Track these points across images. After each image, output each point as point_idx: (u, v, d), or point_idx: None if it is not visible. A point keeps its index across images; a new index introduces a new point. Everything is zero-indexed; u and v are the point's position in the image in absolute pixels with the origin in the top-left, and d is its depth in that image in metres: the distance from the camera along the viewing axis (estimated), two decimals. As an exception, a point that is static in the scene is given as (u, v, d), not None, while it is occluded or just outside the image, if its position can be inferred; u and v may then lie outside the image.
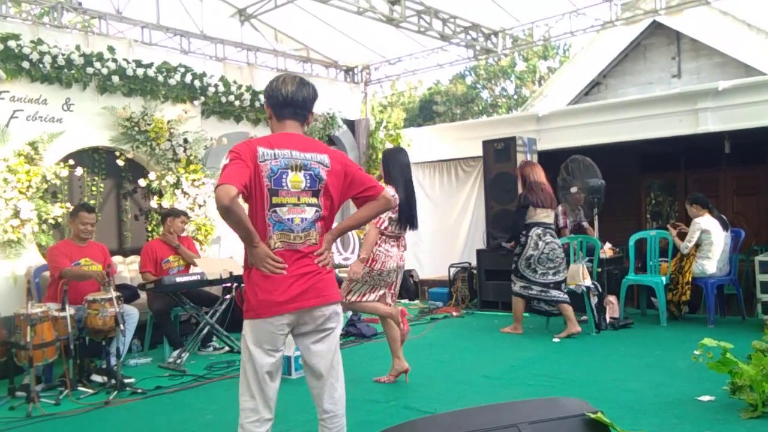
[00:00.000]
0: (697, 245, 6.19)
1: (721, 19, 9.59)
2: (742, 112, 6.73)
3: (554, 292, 5.92)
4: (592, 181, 6.80)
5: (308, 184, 2.39)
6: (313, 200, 2.40)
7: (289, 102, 2.44)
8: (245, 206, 2.39)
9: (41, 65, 5.97)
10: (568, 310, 5.88)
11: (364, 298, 4.42)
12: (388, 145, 9.13)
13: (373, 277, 4.36)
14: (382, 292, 4.47)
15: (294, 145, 2.40)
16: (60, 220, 6.12)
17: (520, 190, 6.34)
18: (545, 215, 6.04)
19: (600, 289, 6.14)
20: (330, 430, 2.46)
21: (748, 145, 7.76)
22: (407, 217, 4.41)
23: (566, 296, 5.93)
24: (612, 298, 6.38)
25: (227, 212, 2.20)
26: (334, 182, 2.43)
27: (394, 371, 4.53)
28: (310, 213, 2.40)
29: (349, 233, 8.30)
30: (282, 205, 2.36)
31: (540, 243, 5.93)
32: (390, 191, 4.23)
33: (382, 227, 4.32)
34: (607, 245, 6.90)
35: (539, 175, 6.11)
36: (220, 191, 2.17)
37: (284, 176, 2.36)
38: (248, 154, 2.32)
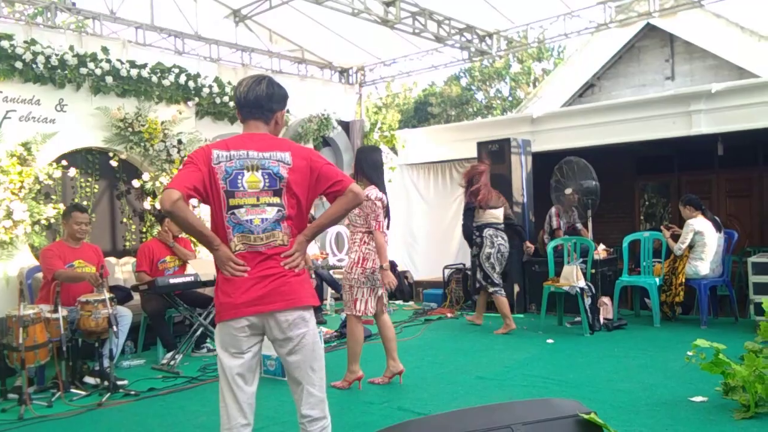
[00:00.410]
0: (691, 247, 6.21)
1: (714, 21, 9.64)
2: (735, 114, 6.76)
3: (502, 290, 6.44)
4: (587, 183, 6.83)
5: (267, 184, 2.35)
6: (275, 200, 2.35)
7: (243, 103, 2.46)
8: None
9: (34, 65, 5.94)
10: (507, 306, 6.34)
11: (369, 305, 4.40)
12: (383, 147, 9.13)
13: (368, 277, 4.36)
14: (380, 292, 4.47)
15: (252, 146, 2.38)
16: (53, 221, 6.09)
17: (468, 192, 6.60)
18: (495, 215, 6.43)
19: (594, 290, 6.15)
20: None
21: (741, 147, 7.81)
22: (388, 217, 4.44)
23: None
24: (606, 299, 6.40)
25: (171, 216, 2.26)
26: (298, 179, 2.37)
27: (389, 372, 4.53)
28: (271, 213, 2.35)
29: (344, 234, 8.30)
30: (239, 206, 2.33)
31: (495, 241, 6.36)
32: (373, 192, 4.25)
33: (386, 230, 4.33)
34: (601, 246, 6.92)
35: (487, 177, 6.53)
36: (163, 196, 2.24)
37: (240, 177, 2.33)
38: (201, 158, 2.34)
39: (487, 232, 6.34)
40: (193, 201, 2.59)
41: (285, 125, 2.46)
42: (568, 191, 7.00)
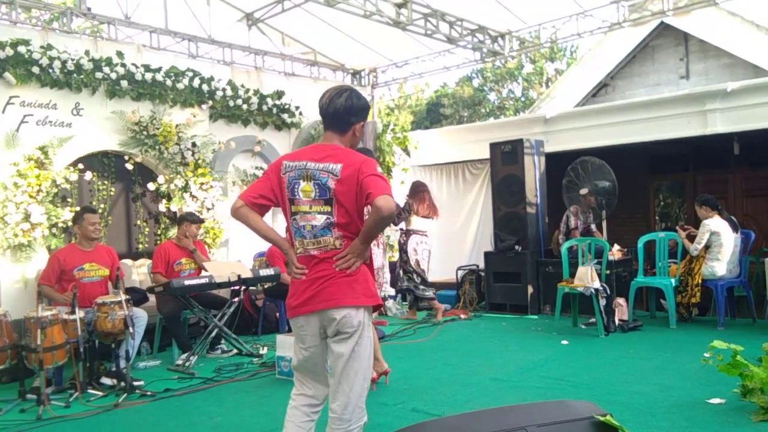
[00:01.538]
0: (707, 247, 6.15)
1: (729, 20, 9.54)
2: (751, 113, 6.69)
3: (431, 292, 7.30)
4: (601, 183, 6.79)
5: (318, 194, 2.47)
6: (326, 208, 2.46)
7: (323, 114, 2.60)
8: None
9: (51, 70, 6.02)
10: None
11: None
12: (396, 149, 9.13)
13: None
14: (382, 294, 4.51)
15: (310, 156, 2.52)
16: (70, 224, 6.16)
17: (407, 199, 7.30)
18: (423, 225, 7.21)
19: (608, 291, 6.11)
20: (333, 430, 2.47)
21: (757, 146, 7.71)
22: None
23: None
24: (621, 300, 6.35)
25: (237, 219, 2.57)
26: (344, 190, 2.43)
27: (374, 373, 4.52)
28: (320, 220, 2.47)
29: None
30: (297, 213, 2.51)
31: (419, 248, 7.16)
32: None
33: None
34: (616, 247, 6.87)
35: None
36: (233, 204, 2.58)
37: (297, 186, 2.50)
38: (274, 167, 2.60)
39: (414, 238, 7.13)
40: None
41: (360, 134, 2.52)
42: (584, 191, 6.95)
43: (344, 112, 2.55)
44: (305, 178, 2.48)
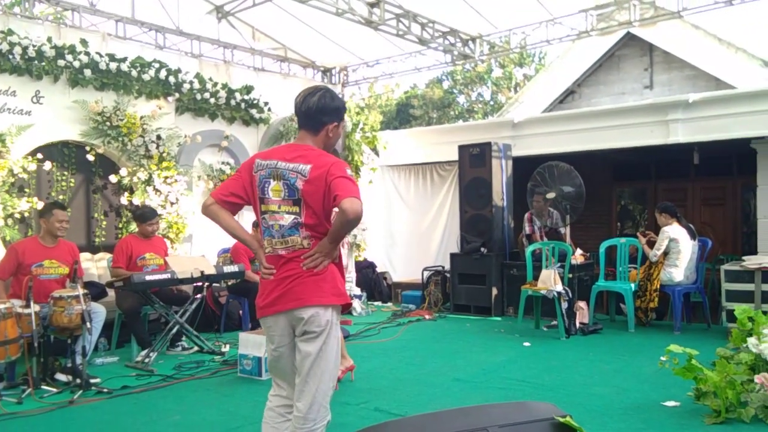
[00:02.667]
0: (666, 253, 6.30)
1: (693, 32, 9.80)
2: (711, 124, 6.87)
3: None
4: (566, 188, 6.89)
5: (287, 193, 2.47)
6: (294, 208, 2.47)
7: (297, 113, 2.59)
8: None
9: (11, 56, 5.83)
10: None
11: None
12: (365, 148, 9.12)
13: None
14: None
15: (282, 156, 2.51)
16: (27, 214, 5.98)
17: None
18: None
19: (570, 295, 6.21)
20: (296, 429, 2.45)
21: (716, 156, 7.94)
22: None
23: None
24: (582, 304, 6.47)
25: (207, 217, 2.57)
26: (312, 191, 2.43)
27: (342, 366, 4.53)
28: (288, 220, 2.47)
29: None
30: (266, 212, 2.51)
31: None
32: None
33: None
34: (579, 251, 6.99)
35: None
36: (203, 201, 2.58)
37: (267, 185, 2.50)
38: (246, 165, 2.59)
39: None
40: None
41: (336, 135, 2.52)
42: (551, 195, 7.04)
43: (317, 111, 2.53)
44: (275, 178, 2.48)
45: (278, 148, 2.62)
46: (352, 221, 2.36)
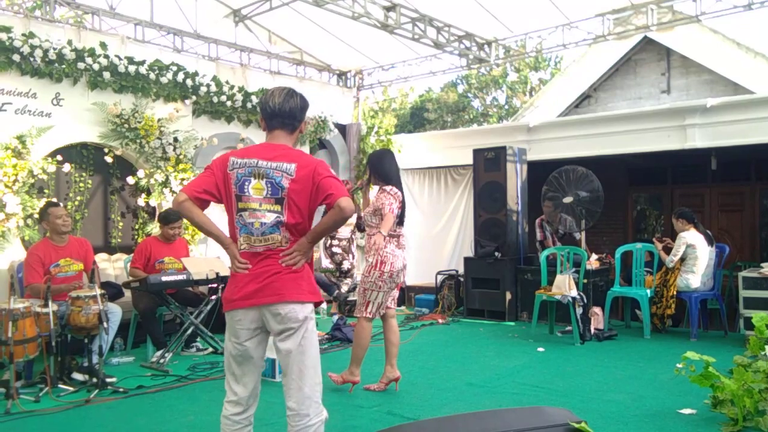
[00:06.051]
0: (682, 259, 6.24)
1: (711, 37, 9.72)
2: (729, 129, 6.81)
3: None
4: (582, 193, 6.85)
5: (269, 192, 2.49)
6: (276, 207, 2.49)
7: (277, 113, 2.59)
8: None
9: (32, 59, 5.91)
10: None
11: (380, 309, 4.37)
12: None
13: (386, 281, 4.33)
14: (396, 294, 4.48)
15: (262, 155, 2.53)
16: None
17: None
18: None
19: (585, 300, 6.17)
20: (292, 428, 2.48)
21: (734, 162, 7.86)
22: (403, 215, 4.47)
23: None
24: (597, 310, 6.42)
25: (180, 213, 2.56)
26: (298, 190, 2.48)
27: (386, 378, 4.50)
28: (270, 218, 2.49)
29: (353, 245, 8.16)
30: (245, 210, 2.51)
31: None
32: (392, 190, 4.29)
33: (389, 231, 4.29)
34: (594, 257, 6.94)
35: None
36: (175, 197, 2.55)
37: (247, 183, 2.50)
38: (218, 164, 2.57)
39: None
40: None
41: (303, 131, 2.64)
42: (568, 200, 6.99)
43: (300, 110, 2.63)
44: (256, 176, 2.50)
45: (254, 147, 2.64)
46: (345, 219, 2.48)
